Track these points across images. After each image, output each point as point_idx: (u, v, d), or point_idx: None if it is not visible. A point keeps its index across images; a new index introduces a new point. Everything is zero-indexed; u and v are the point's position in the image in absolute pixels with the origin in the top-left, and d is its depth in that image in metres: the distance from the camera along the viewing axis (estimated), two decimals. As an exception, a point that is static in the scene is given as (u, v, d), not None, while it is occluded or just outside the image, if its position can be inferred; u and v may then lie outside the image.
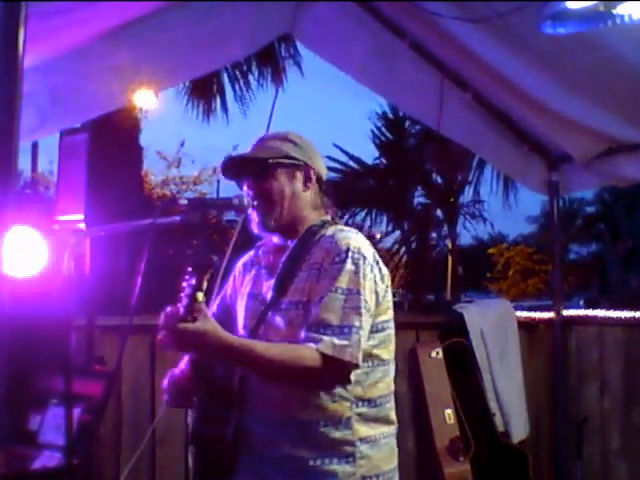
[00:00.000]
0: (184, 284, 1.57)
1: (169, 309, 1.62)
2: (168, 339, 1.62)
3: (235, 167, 1.94)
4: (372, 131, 15.55)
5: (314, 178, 1.93)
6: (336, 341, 1.68)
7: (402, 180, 14.63)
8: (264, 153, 1.90)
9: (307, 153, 1.93)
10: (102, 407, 2.56)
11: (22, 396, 2.52)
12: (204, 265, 1.56)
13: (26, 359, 2.42)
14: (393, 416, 1.89)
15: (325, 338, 1.68)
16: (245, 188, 1.91)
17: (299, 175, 1.91)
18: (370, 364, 1.81)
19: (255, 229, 1.91)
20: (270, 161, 1.87)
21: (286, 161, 1.89)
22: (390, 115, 15.25)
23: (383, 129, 15.54)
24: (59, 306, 2.27)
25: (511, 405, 4.09)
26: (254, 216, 1.89)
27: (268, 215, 1.87)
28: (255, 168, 1.89)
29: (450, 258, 16.29)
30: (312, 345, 1.68)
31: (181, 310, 1.56)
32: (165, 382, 1.96)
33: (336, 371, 1.71)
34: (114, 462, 3.14)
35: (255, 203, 1.88)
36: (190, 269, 1.56)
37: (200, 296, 1.55)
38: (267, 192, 1.87)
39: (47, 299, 2.25)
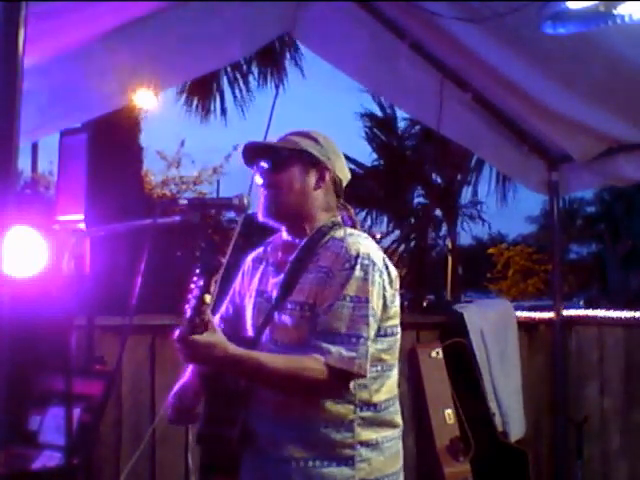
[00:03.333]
0: (192, 285, 1.57)
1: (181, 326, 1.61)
2: (179, 351, 1.62)
3: (254, 154, 1.94)
4: (365, 132, 15.57)
5: (328, 179, 1.91)
6: (344, 352, 1.68)
7: (400, 180, 14.64)
8: (282, 144, 1.91)
9: (326, 153, 1.92)
10: (102, 407, 2.56)
11: (22, 396, 2.52)
12: (212, 267, 1.56)
13: (26, 359, 2.42)
14: (398, 419, 1.89)
15: (333, 350, 1.69)
16: (258, 177, 1.91)
17: (313, 172, 1.89)
18: (379, 369, 1.81)
19: (260, 215, 1.90)
20: (285, 153, 1.88)
21: (302, 156, 1.88)
22: (379, 114, 15.27)
23: (375, 130, 15.54)
24: (59, 306, 2.27)
25: (510, 405, 4.09)
26: (261, 201, 1.89)
27: (273, 202, 1.87)
28: (271, 158, 1.89)
29: (450, 258, 16.31)
30: (320, 357, 1.68)
31: (189, 312, 1.57)
32: (170, 397, 1.95)
33: (342, 381, 1.72)
34: (114, 462, 3.14)
35: (264, 192, 1.88)
36: (198, 271, 1.56)
37: (207, 298, 1.55)
38: (277, 182, 1.87)
39: (47, 299, 2.26)
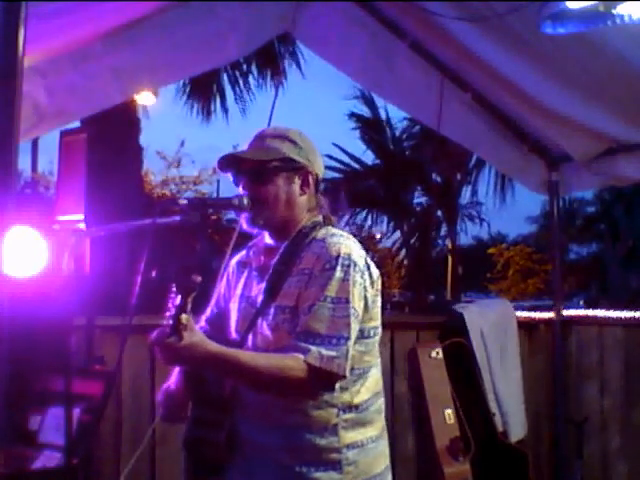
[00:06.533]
0: (169, 304, 1.57)
1: (158, 329, 1.61)
2: (158, 354, 1.63)
3: (233, 163, 1.90)
4: (360, 134, 15.55)
5: (311, 181, 1.89)
6: (324, 352, 1.67)
7: (399, 180, 14.63)
8: (263, 154, 1.86)
9: (306, 154, 1.89)
10: (102, 407, 2.56)
11: (22, 396, 2.52)
12: (188, 287, 1.55)
13: (26, 359, 2.42)
14: (380, 417, 1.87)
15: (313, 348, 1.67)
16: (240, 188, 1.88)
17: (297, 179, 1.87)
18: (360, 371, 1.80)
19: (244, 224, 1.88)
20: (269, 165, 1.84)
21: (285, 165, 1.85)
22: (368, 115, 15.27)
23: (365, 130, 15.52)
24: (59, 306, 2.27)
25: (510, 405, 4.09)
26: (244, 213, 1.86)
27: (259, 214, 1.85)
28: (253, 169, 1.85)
29: (450, 258, 16.32)
30: (300, 356, 1.67)
31: (167, 331, 1.57)
32: (160, 396, 1.95)
33: (322, 381, 1.70)
34: (114, 462, 3.14)
35: (247, 202, 1.85)
36: (174, 289, 1.56)
37: (184, 318, 1.56)
38: (262, 195, 1.84)
39: (47, 299, 2.26)
